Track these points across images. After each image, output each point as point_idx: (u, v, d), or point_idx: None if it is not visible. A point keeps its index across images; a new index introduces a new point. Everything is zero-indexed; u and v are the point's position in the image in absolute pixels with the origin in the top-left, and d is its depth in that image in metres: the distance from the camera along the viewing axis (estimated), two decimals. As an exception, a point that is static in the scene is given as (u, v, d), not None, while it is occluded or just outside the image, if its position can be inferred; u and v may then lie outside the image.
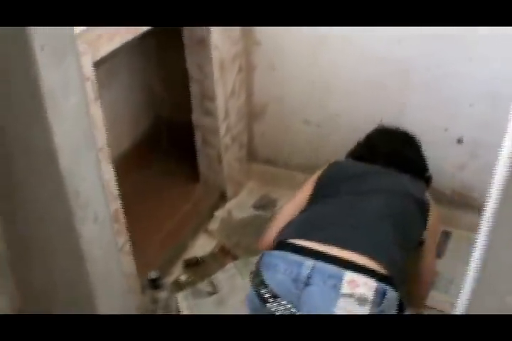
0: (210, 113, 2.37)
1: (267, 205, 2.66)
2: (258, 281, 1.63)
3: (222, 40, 2.23)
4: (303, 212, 1.86)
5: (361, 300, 1.49)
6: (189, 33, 2.16)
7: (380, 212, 1.74)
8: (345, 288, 1.51)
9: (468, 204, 2.43)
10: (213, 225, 2.52)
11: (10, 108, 1.15)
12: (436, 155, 2.30)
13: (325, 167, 2.01)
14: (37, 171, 1.23)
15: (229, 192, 2.64)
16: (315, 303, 1.55)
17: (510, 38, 2.04)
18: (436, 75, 2.22)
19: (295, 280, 1.56)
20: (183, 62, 2.28)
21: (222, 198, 2.63)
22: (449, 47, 2.15)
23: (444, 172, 2.40)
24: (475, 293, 0.85)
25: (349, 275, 1.52)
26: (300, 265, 1.57)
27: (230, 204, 2.64)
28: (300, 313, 1.55)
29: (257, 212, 2.62)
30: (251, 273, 1.78)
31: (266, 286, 1.60)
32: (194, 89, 2.32)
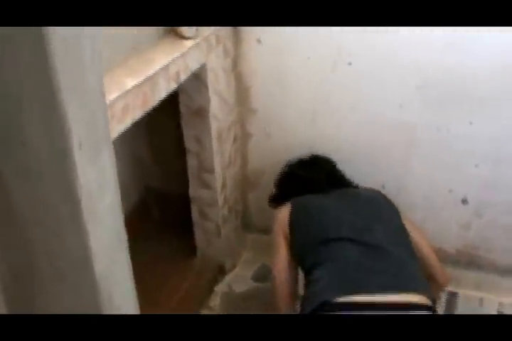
0: (207, 185, 2.20)
1: (266, 276, 2.48)
2: None
3: (219, 108, 2.09)
4: (318, 265, 1.69)
5: None
6: (187, 101, 2.01)
7: (387, 240, 1.72)
8: None
9: (474, 263, 2.35)
10: (214, 301, 2.34)
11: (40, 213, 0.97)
12: (441, 215, 2.26)
13: (290, 210, 1.91)
14: (68, 279, 1.05)
15: (227, 265, 2.46)
16: None
17: (506, 99, 1.99)
18: (439, 138, 2.12)
19: None
20: (175, 131, 2.13)
21: (221, 271, 2.45)
22: (449, 111, 2.06)
23: (449, 232, 2.32)
24: None
25: None
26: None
27: (229, 278, 2.46)
28: None
29: (256, 284, 2.45)
30: None
31: None
32: (191, 161, 2.16)
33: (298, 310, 1.74)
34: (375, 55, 2.02)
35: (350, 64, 2.06)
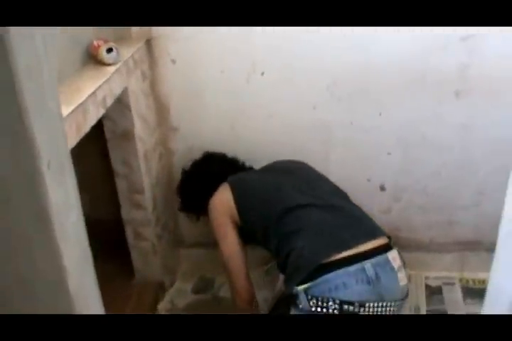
0: (139, 206, 2.21)
1: (205, 287, 2.52)
2: (338, 305, 1.63)
3: (143, 130, 2.11)
4: (293, 234, 1.78)
5: (402, 267, 1.74)
6: (111, 126, 2.02)
7: (335, 197, 1.92)
8: (395, 265, 1.71)
9: (399, 243, 2.44)
10: (160, 319, 2.33)
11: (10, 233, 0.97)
12: (363, 204, 2.30)
13: (232, 193, 1.98)
14: (43, 302, 1.05)
15: (166, 281, 2.47)
16: (389, 288, 1.69)
17: (410, 90, 2.14)
18: (352, 132, 2.25)
19: (369, 282, 1.65)
20: (99, 155, 2.13)
21: (161, 289, 2.45)
22: (359, 106, 2.20)
23: (373, 218, 2.38)
24: None
25: (389, 256, 1.71)
26: (363, 270, 1.66)
27: (169, 294, 2.46)
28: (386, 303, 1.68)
29: (197, 296, 2.47)
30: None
31: (351, 303, 1.63)
32: (121, 184, 2.16)
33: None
34: (285, 62, 2.12)
35: (263, 74, 2.14)
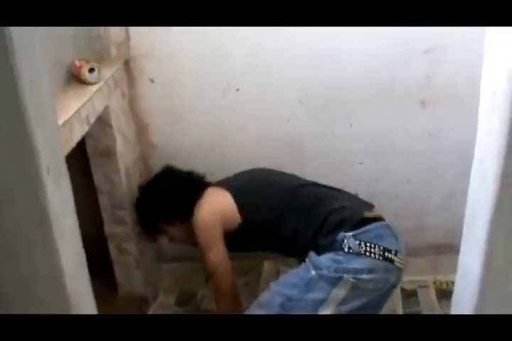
0: (122, 222, 2.27)
1: (188, 300, 2.56)
2: (382, 251, 1.84)
3: (124, 147, 2.18)
4: (321, 200, 1.98)
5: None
6: (93, 143, 2.09)
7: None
8: None
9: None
10: (145, 332, 2.38)
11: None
12: None
13: (231, 196, 2.04)
14: (43, 302, 1.11)
15: (149, 296, 2.51)
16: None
17: (378, 102, 2.25)
18: (325, 143, 2.35)
19: (395, 237, 1.92)
20: (81, 172, 2.19)
21: (144, 303, 2.49)
22: (331, 117, 2.30)
23: None
24: None
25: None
26: (388, 226, 1.94)
27: (153, 308, 2.50)
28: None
29: (181, 309, 2.52)
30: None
31: (389, 250, 1.85)
32: (103, 201, 2.22)
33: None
34: (259, 78, 2.22)
35: (238, 90, 2.24)
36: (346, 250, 1.80)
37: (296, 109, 2.27)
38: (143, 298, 2.49)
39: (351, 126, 2.29)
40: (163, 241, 2.61)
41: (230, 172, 2.35)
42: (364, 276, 1.78)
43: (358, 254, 1.80)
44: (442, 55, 2.13)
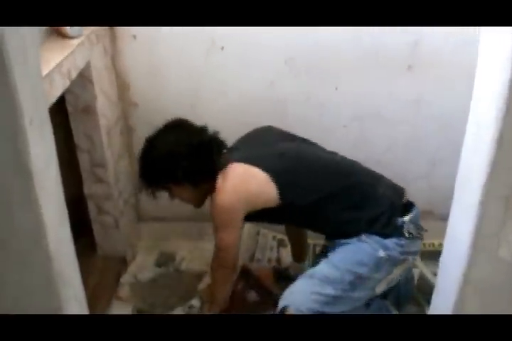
0: (102, 180, 2.24)
1: (167, 260, 2.57)
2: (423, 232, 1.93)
3: (105, 105, 2.15)
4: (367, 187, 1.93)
5: None
6: (73, 100, 2.05)
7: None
8: None
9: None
10: (123, 291, 2.37)
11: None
12: None
13: (266, 173, 1.84)
14: (21, 258, 1.09)
15: (128, 256, 2.51)
16: None
17: (364, 65, 2.23)
18: (309, 106, 2.33)
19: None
20: (60, 129, 2.15)
21: (123, 263, 2.49)
22: (316, 80, 2.28)
23: None
24: None
25: None
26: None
27: (132, 268, 2.50)
28: None
29: (160, 270, 2.52)
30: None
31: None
32: (82, 158, 2.19)
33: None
34: (245, 37, 2.18)
35: (222, 48, 2.20)
36: (407, 235, 1.85)
37: (281, 71, 2.24)
38: (122, 258, 2.49)
39: (336, 89, 2.27)
40: (143, 200, 2.60)
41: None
42: (416, 257, 1.99)
43: (415, 238, 1.88)
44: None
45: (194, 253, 2.57)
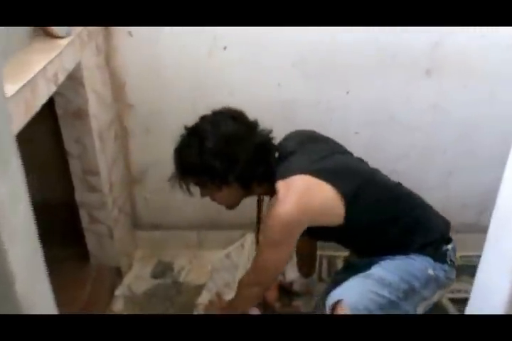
0: (94, 188, 2.09)
1: (165, 271, 2.43)
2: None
3: (98, 107, 1.98)
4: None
5: None
6: (63, 103, 1.88)
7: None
8: None
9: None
10: (118, 305, 2.25)
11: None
12: None
13: (335, 186, 1.65)
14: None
15: (123, 266, 2.37)
16: None
17: (379, 68, 2.06)
18: (319, 111, 2.16)
19: None
20: (51, 134, 2.00)
21: (118, 274, 2.35)
22: (326, 83, 2.11)
23: None
24: None
25: None
26: None
27: (127, 279, 2.37)
28: None
29: (157, 281, 2.38)
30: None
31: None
32: (74, 165, 2.03)
33: None
34: (249, 36, 2.01)
35: (225, 48, 2.03)
36: (449, 262, 1.78)
37: (289, 73, 2.07)
38: (116, 269, 2.35)
39: (348, 93, 2.10)
40: (139, 208, 2.46)
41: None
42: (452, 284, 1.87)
43: (454, 266, 1.81)
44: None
45: (193, 263, 2.46)
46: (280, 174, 1.67)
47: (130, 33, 2.02)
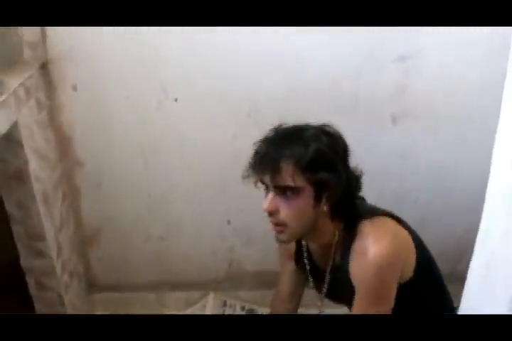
0: (41, 254, 1.93)
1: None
2: None
3: (40, 168, 1.84)
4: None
5: None
6: (1, 165, 1.73)
7: None
8: None
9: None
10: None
11: None
12: None
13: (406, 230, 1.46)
14: None
15: (78, 334, 2.19)
16: None
17: (341, 115, 1.89)
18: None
19: None
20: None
21: (72, 344, 2.17)
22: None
23: None
24: None
25: None
26: None
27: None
28: None
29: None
30: None
31: None
32: (17, 229, 1.87)
33: None
34: (201, 87, 1.90)
35: (176, 100, 1.92)
36: None
37: (244, 124, 1.95)
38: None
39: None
40: (96, 269, 2.29)
41: (166, 194, 2.06)
42: None
43: None
44: (417, 63, 1.84)
45: (155, 328, 2.27)
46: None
47: (75, 87, 1.89)
